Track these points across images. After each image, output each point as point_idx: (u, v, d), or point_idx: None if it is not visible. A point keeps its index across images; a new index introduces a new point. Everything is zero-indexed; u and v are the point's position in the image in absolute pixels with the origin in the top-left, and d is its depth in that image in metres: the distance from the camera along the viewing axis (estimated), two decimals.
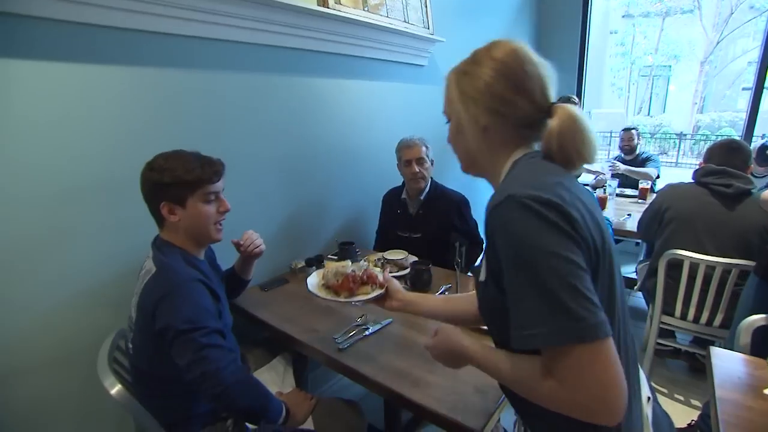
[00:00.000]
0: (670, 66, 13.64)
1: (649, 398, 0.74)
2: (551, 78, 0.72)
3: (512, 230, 0.60)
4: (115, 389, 0.98)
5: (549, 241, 0.58)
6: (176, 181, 1.04)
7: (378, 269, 1.15)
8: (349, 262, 1.28)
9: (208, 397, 0.98)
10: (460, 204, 1.96)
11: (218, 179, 1.12)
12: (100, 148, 1.23)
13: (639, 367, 0.77)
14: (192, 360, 0.96)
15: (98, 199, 1.24)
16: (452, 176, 2.73)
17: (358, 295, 1.08)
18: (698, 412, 1.66)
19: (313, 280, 1.17)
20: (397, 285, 1.06)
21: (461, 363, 0.78)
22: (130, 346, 1.11)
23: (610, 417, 0.55)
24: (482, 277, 0.71)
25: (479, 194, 2.26)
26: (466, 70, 0.74)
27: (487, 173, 0.79)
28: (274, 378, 1.33)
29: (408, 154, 1.91)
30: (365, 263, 1.20)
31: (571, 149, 0.68)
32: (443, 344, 0.79)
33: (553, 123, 0.68)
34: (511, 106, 0.70)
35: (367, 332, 1.28)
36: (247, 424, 1.12)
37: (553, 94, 0.72)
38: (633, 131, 3.34)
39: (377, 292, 1.06)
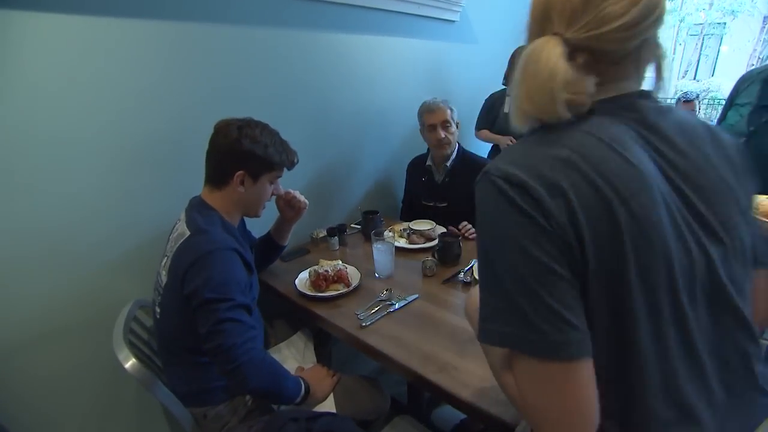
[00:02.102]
0: (724, 23, 12.43)
1: None
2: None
3: (480, 211, 0.52)
4: (129, 363, 0.94)
5: (510, 229, 0.48)
6: (266, 157, 1.05)
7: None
8: (336, 262, 1.39)
9: (220, 372, 0.97)
10: None
11: (292, 168, 1.15)
12: (124, 111, 1.17)
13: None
14: (210, 331, 0.93)
15: (125, 165, 1.20)
16: (475, 140, 2.55)
17: (328, 291, 1.28)
18: None
19: (304, 275, 1.38)
20: None
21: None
22: (158, 309, 1.07)
23: None
24: None
25: None
26: None
27: None
28: (294, 354, 1.29)
29: (431, 119, 1.77)
30: (339, 263, 1.37)
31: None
32: (471, 302, 0.69)
33: None
34: None
35: (391, 309, 1.21)
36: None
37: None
38: (694, 102, 2.80)
39: (345, 290, 1.29)
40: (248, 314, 0.99)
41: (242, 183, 1.06)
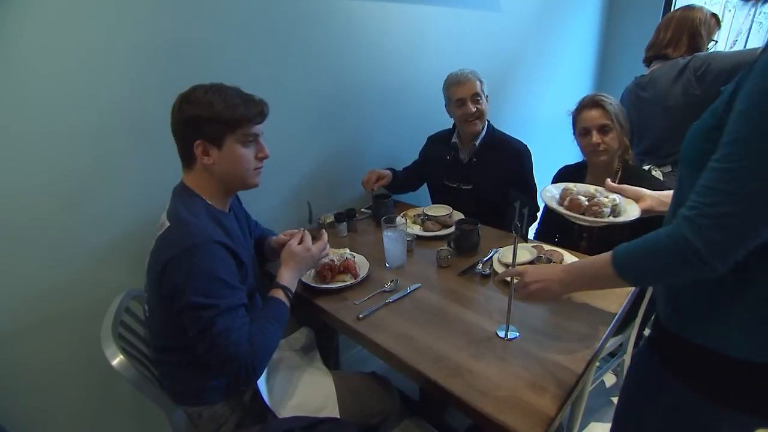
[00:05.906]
0: None
1: None
2: None
3: None
4: (116, 360, 0.88)
5: None
6: (216, 117, 0.92)
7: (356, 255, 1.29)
8: (343, 251, 1.29)
9: (220, 374, 0.94)
10: (522, 154, 1.66)
11: (261, 120, 1.00)
12: (113, 84, 1.09)
13: None
14: (202, 341, 0.85)
15: (118, 142, 1.13)
16: (504, 119, 2.38)
17: (333, 283, 1.20)
18: None
19: None
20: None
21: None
22: (146, 307, 1.01)
23: None
24: None
25: (535, 143, 1.93)
26: None
27: None
28: (298, 351, 1.20)
29: (460, 92, 1.60)
30: (347, 252, 1.27)
31: None
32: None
33: None
34: None
35: (389, 299, 1.12)
36: (265, 399, 1.02)
37: None
38: None
39: (352, 281, 1.20)
40: (243, 311, 0.90)
41: (206, 153, 0.95)
